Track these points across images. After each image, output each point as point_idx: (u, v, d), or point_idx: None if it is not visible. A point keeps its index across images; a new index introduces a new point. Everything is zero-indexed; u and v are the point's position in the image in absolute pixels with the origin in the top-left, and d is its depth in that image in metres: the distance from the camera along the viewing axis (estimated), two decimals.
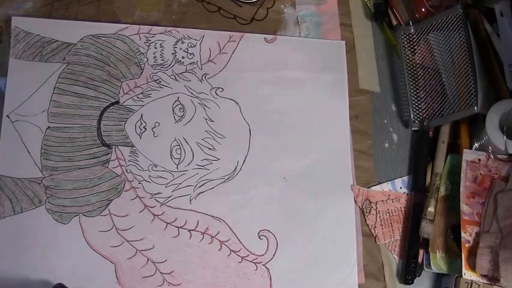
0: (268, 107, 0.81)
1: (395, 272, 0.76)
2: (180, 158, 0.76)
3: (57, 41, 0.79)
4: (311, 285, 0.73)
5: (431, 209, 0.74)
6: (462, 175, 0.74)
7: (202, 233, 0.74)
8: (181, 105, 0.79)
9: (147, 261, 0.72)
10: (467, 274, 0.69)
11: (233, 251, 0.73)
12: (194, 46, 0.82)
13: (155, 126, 0.77)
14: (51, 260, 0.70)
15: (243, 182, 0.77)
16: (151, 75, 0.80)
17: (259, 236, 0.74)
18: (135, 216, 0.73)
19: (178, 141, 0.77)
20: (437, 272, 0.74)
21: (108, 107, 0.78)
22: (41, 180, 0.73)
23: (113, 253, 0.71)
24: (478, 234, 0.71)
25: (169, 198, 0.75)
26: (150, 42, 0.81)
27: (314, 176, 0.78)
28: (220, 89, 0.81)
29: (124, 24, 0.82)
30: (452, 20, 0.81)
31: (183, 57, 0.81)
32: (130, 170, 0.75)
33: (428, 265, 0.74)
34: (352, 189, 0.78)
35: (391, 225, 0.77)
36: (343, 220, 0.77)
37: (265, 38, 0.84)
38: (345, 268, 0.74)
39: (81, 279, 0.70)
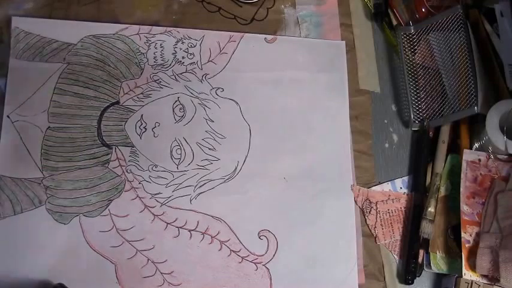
0: (268, 107, 0.81)
1: (395, 272, 0.76)
2: (180, 158, 0.76)
3: (57, 41, 0.79)
4: (311, 286, 0.73)
5: (431, 209, 0.74)
6: (462, 175, 0.74)
7: (203, 233, 0.74)
8: (181, 106, 0.79)
9: (147, 261, 0.72)
10: (468, 274, 0.69)
11: (233, 251, 0.73)
12: (194, 46, 0.82)
13: (155, 127, 0.77)
14: (51, 260, 0.70)
15: (243, 182, 0.77)
16: (151, 76, 0.80)
17: (260, 236, 0.74)
18: (136, 217, 0.73)
19: (178, 141, 0.77)
20: (438, 272, 0.74)
21: (108, 107, 0.78)
22: (41, 181, 0.73)
23: (113, 253, 0.71)
24: (478, 235, 0.71)
25: (170, 199, 0.75)
26: (150, 42, 0.81)
27: (314, 176, 0.78)
28: (221, 89, 0.81)
29: (124, 25, 0.82)
30: (452, 20, 0.81)
31: (183, 58, 0.81)
32: (130, 170, 0.75)
33: (429, 265, 0.74)
34: (352, 189, 0.78)
35: (391, 225, 0.77)
36: (343, 220, 0.77)
37: (265, 38, 0.84)
38: (345, 268, 0.74)
39: (81, 279, 0.70)
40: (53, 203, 0.73)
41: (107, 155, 0.76)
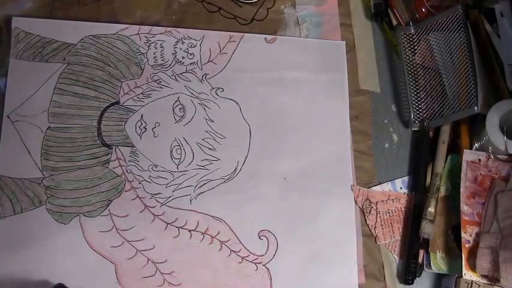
0: (268, 107, 0.81)
1: (395, 272, 0.76)
2: (180, 158, 0.76)
3: (57, 41, 0.79)
4: (311, 285, 0.73)
5: (431, 209, 0.74)
6: (462, 175, 0.74)
7: (203, 233, 0.74)
8: (181, 106, 0.79)
9: (148, 262, 0.72)
10: (468, 274, 0.69)
11: (233, 251, 0.73)
12: (194, 46, 0.82)
13: (155, 127, 0.77)
14: (51, 260, 0.70)
15: (243, 182, 0.77)
16: (151, 76, 0.80)
17: (260, 236, 0.74)
18: (136, 217, 0.73)
19: (178, 141, 0.77)
20: (438, 272, 0.74)
21: (108, 107, 0.78)
22: (41, 181, 0.73)
23: (113, 253, 0.71)
24: (478, 235, 0.71)
25: (170, 199, 0.75)
26: (150, 42, 0.81)
27: (314, 176, 0.78)
28: (221, 89, 0.81)
29: (124, 25, 0.82)
30: (452, 20, 0.81)
31: (183, 58, 0.81)
32: (130, 170, 0.75)
33: (429, 265, 0.74)
34: (352, 189, 0.78)
35: (391, 225, 0.77)
36: (343, 220, 0.76)
37: (265, 38, 0.84)
38: (345, 268, 0.74)
39: (81, 279, 0.70)
40: (53, 203, 0.73)
41: (107, 155, 0.76)
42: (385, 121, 0.84)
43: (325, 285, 0.73)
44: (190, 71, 0.81)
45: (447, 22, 0.82)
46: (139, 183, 0.75)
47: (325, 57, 0.84)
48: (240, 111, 0.80)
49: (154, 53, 0.81)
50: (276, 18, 0.86)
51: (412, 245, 0.75)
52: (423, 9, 0.85)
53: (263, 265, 0.73)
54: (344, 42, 0.86)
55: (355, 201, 0.78)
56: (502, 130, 0.74)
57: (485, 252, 0.68)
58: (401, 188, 0.80)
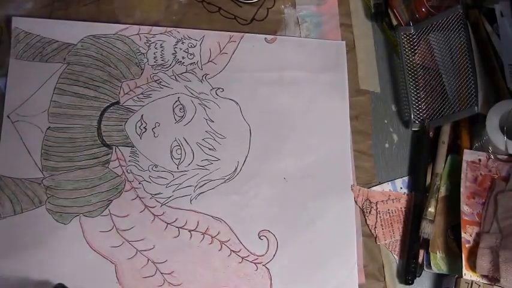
0: (268, 107, 0.81)
1: (395, 272, 0.76)
2: (180, 158, 0.76)
3: (57, 41, 0.79)
4: (311, 286, 0.73)
5: (431, 209, 0.74)
6: (462, 175, 0.74)
7: (203, 233, 0.74)
8: (181, 106, 0.79)
9: (148, 262, 0.72)
10: (468, 274, 0.69)
11: (233, 251, 0.73)
12: (194, 46, 0.82)
13: (155, 127, 0.77)
14: (51, 260, 0.70)
15: (243, 182, 0.77)
16: (151, 76, 0.80)
17: (260, 237, 0.74)
18: (136, 217, 0.73)
19: (178, 141, 0.77)
20: (438, 272, 0.74)
21: (108, 107, 0.78)
22: (41, 181, 0.73)
23: (113, 253, 0.71)
24: (478, 235, 0.71)
25: (170, 199, 0.75)
26: (150, 42, 0.81)
27: (314, 176, 0.78)
28: (221, 89, 0.81)
29: (124, 25, 0.82)
30: (452, 20, 0.81)
31: (183, 58, 0.82)
32: (130, 170, 0.75)
33: (429, 265, 0.74)
34: (352, 189, 0.78)
35: (392, 225, 0.77)
36: (343, 220, 0.77)
37: (265, 38, 0.84)
38: (345, 268, 0.74)
39: (81, 279, 0.70)
40: (53, 203, 0.73)
41: (107, 155, 0.76)
42: (385, 121, 0.84)
43: (325, 285, 0.73)
44: (190, 71, 0.81)
45: (447, 22, 0.82)
46: (140, 183, 0.75)
47: (325, 57, 0.84)
48: (240, 111, 0.80)
49: (154, 53, 0.81)
50: (276, 18, 0.86)
51: (412, 245, 0.75)
52: (423, 9, 0.85)
53: (263, 265, 0.73)
54: (344, 42, 0.86)
55: (355, 201, 0.78)
56: (502, 130, 0.74)
57: (485, 252, 0.68)
58: (401, 188, 0.80)
